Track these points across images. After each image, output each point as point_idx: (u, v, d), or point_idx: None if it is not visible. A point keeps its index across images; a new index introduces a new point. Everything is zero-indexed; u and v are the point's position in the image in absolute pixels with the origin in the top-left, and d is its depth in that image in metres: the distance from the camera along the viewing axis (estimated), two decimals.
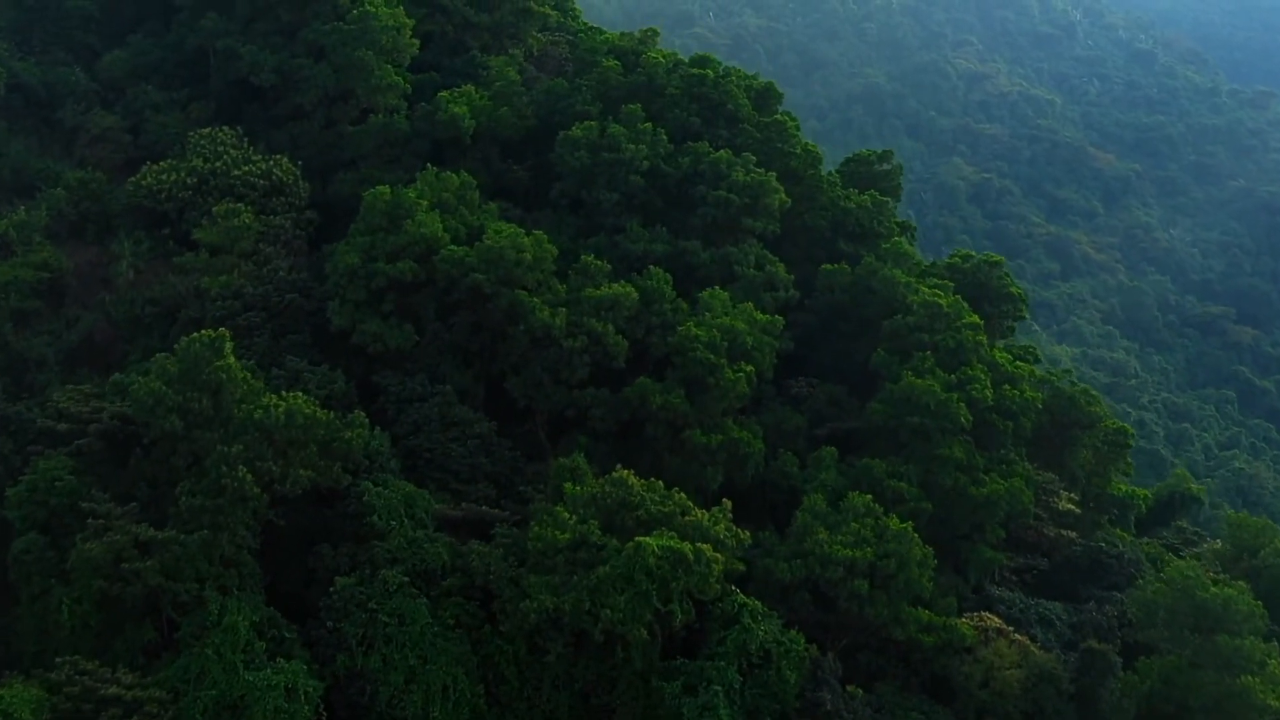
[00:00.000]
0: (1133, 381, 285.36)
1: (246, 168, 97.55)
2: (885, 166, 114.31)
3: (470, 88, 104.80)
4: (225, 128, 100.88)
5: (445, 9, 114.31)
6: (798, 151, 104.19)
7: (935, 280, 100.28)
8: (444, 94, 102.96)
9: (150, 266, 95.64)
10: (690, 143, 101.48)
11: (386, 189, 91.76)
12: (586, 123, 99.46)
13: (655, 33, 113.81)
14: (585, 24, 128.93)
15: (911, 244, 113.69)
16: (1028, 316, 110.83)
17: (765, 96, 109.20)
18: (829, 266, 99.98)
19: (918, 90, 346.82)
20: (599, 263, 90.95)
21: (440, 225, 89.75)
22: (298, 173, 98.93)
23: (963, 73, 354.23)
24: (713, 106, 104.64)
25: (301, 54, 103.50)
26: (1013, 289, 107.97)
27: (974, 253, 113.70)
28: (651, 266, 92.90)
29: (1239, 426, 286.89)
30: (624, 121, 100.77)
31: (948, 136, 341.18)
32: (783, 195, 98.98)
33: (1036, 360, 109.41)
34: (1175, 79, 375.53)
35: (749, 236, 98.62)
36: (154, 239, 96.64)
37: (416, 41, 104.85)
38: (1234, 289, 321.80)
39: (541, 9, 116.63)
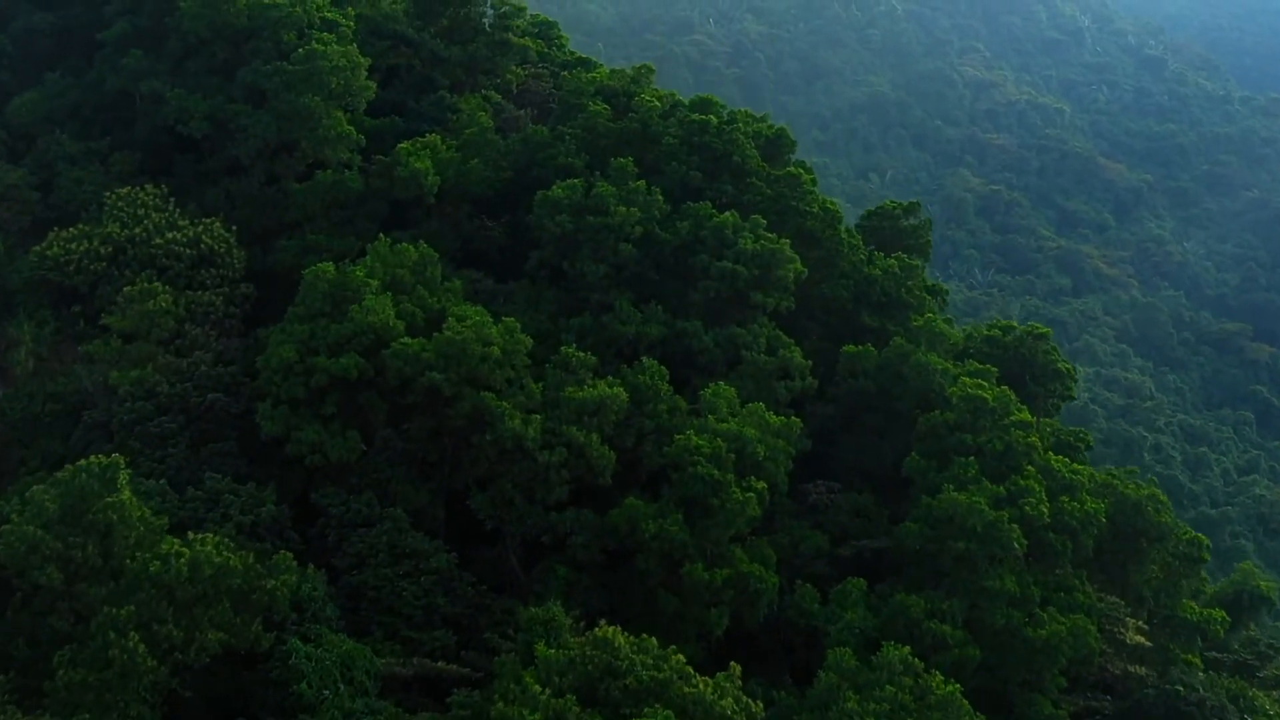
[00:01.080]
0: (1148, 403, 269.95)
1: (171, 234, 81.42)
2: (912, 221, 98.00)
3: (435, 137, 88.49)
4: (149, 185, 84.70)
5: (411, 42, 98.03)
6: (814, 210, 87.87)
7: (975, 365, 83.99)
8: (404, 146, 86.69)
9: (55, 353, 79.67)
10: (690, 203, 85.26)
11: (330, 266, 75.57)
12: (569, 181, 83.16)
13: (650, 70, 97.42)
14: (573, 53, 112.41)
15: (943, 307, 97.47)
16: (1076, 396, 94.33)
17: (776, 145, 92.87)
18: (852, 348, 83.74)
19: (923, 99, 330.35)
20: (582, 355, 74.70)
21: (392, 311, 73.57)
22: (232, 239, 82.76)
23: (969, 80, 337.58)
24: (716, 158, 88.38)
25: (240, 98, 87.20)
26: (1060, 364, 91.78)
27: (1015, 323, 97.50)
28: (645, 359, 76.70)
29: (1258, 450, 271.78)
30: (613, 178, 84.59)
31: (954, 147, 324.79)
32: (798, 264, 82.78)
33: (1089, 446, 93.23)
34: (1186, 86, 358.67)
35: (758, 314, 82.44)
36: (61, 319, 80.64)
37: (373, 85, 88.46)
38: (1249, 304, 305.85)
39: (521, 41, 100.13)
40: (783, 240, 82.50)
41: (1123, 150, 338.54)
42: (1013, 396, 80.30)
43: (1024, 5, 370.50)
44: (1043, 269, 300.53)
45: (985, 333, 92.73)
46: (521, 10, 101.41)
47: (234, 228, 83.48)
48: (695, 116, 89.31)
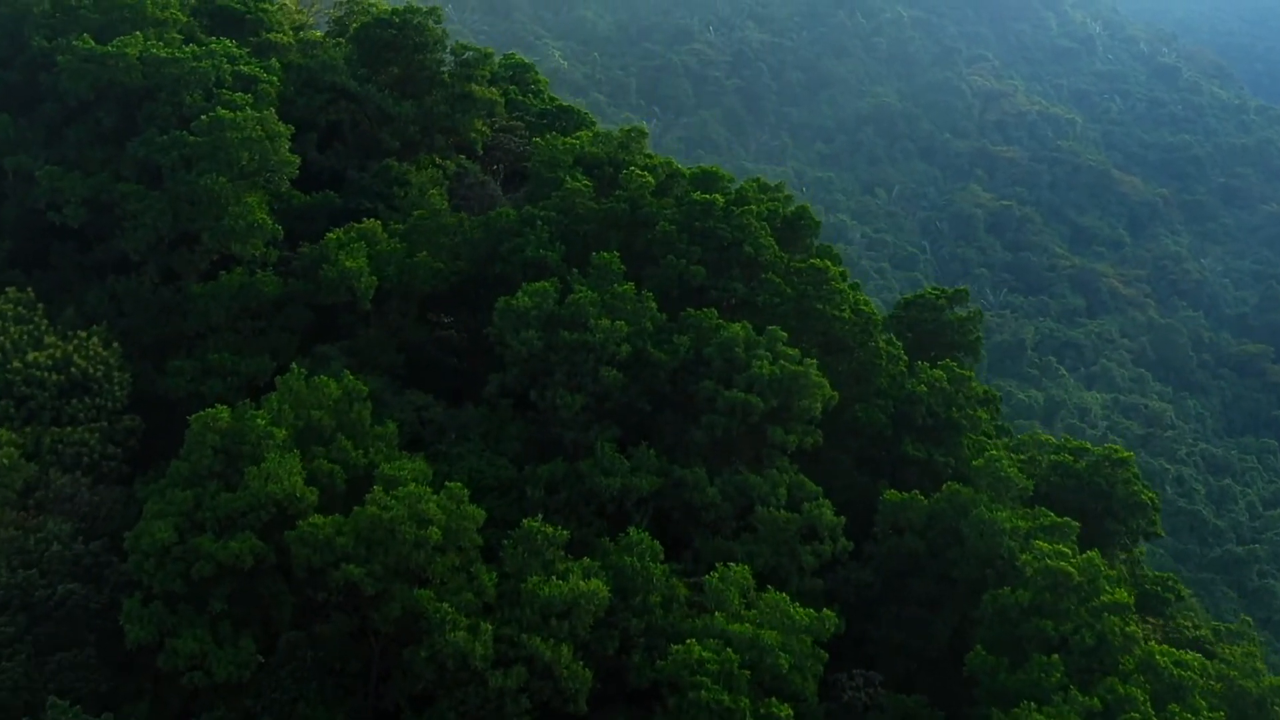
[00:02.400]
0: (1169, 433, 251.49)
1: (35, 355, 62.30)
2: (960, 312, 78.80)
3: (374, 224, 69.23)
4: (10, 289, 65.53)
5: (353, 96, 78.69)
6: (844, 315, 68.53)
7: (1048, 516, 64.70)
8: (334, 236, 67.48)
9: None
10: (691, 310, 66.04)
11: (223, 412, 56.39)
12: (539, 286, 63.77)
13: (641, 133, 77.89)
14: (552, 100, 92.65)
15: (997, 415, 78.25)
16: (1162, 531, 75.33)
17: (795, 227, 73.51)
18: (895, 496, 64.46)
19: (931, 110, 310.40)
20: (549, 530, 55.46)
21: (301, 475, 54.50)
22: (114, 359, 63.62)
23: (978, 90, 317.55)
24: (723, 248, 69.12)
25: (131, 176, 67.92)
26: (1143, 494, 72.66)
27: (1089, 444, 78.20)
28: (633, 530, 57.56)
29: None
30: (595, 277, 65.44)
31: (963, 160, 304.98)
32: (827, 389, 63.57)
33: (1179, 596, 74.16)
34: (1200, 95, 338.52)
35: (777, 455, 63.28)
36: None
37: (295, 159, 68.98)
38: (1270, 324, 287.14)
39: (486, 93, 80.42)
40: (808, 361, 63.20)
41: (1136, 162, 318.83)
42: (1102, 565, 61.02)
43: (1033, 12, 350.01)
44: (1056, 289, 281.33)
45: (1053, 457, 73.47)
46: (487, 56, 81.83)
47: (117, 344, 64.21)
48: (696, 196, 69.98)
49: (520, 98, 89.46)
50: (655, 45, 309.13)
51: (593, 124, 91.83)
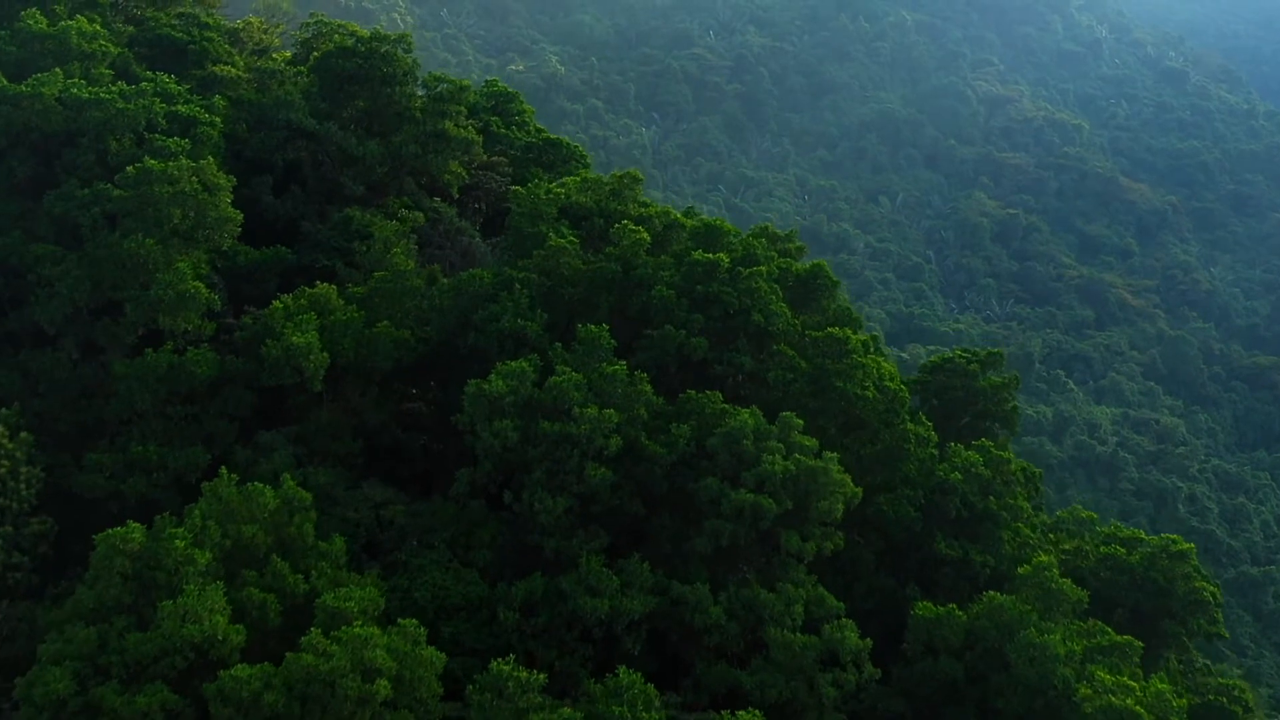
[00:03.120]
0: (1180, 449, 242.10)
1: None
2: (994, 377, 68.97)
3: (328, 289, 59.40)
4: None
5: (311, 134, 68.85)
6: (867, 392, 58.69)
7: (1107, 634, 54.98)
8: (281, 304, 57.69)
9: None
10: (692, 392, 56.30)
11: (136, 532, 46.63)
12: (515, 366, 54.01)
13: (635, 179, 67.77)
14: (539, 131, 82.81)
15: (1035, 495, 68.53)
16: (1225, 631, 65.57)
17: (809, 288, 63.66)
18: (927, 609, 54.70)
19: (935, 116, 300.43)
20: (523, 675, 45.72)
21: (225, 612, 44.80)
22: (21, 454, 53.88)
23: (983, 96, 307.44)
24: (728, 316, 59.34)
25: (47, 234, 58.15)
26: (1205, 591, 63.06)
27: (1143, 533, 68.43)
28: (622, 669, 47.77)
29: None
30: (581, 354, 55.70)
31: (968, 167, 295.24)
32: (850, 486, 53.82)
33: (1247, 707, 64.38)
34: (1208, 100, 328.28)
35: (792, 564, 53.59)
36: None
37: (238, 215, 58.92)
38: None
39: (463, 132, 70.43)
40: (828, 455, 53.46)
41: (1144, 169, 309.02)
42: (1171, 697, 51.32)
43: (1039, 15, 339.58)
44: (1064, 299, 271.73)
45: (1104, 549, 63.73)
46: (463, 89, 71.90)
47: (26, 433, 54.47)
48: (698, 255, 60.09)
49: (503, 130, 79.59)
50: (654, 50, 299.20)
51: (583, 158, 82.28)
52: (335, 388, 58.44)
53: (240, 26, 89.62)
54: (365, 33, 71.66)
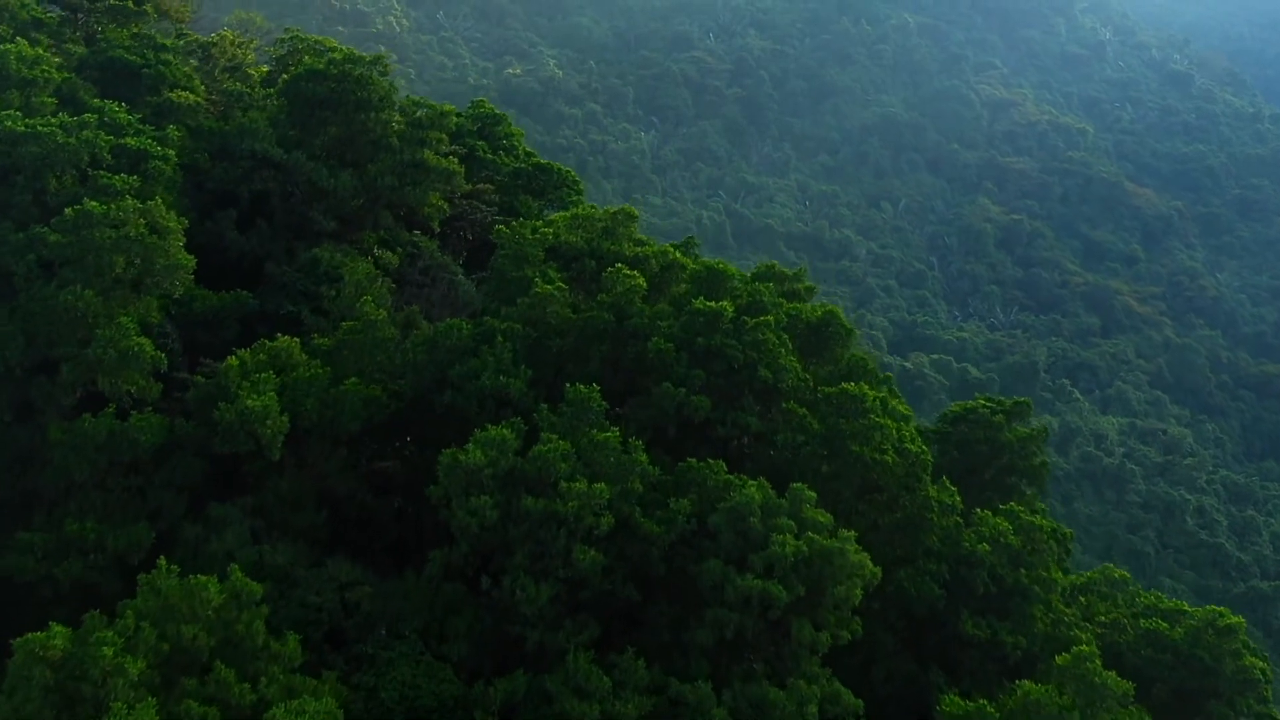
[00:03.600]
0: (1188, 460, 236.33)
1: None
2: (1021, 428, 62.82)
3: (289, 343, 53.18)
4: None
5: (277, 164, 62.69)
6: (886, 457, 52.49)
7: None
8: (236, 362, 51.49)
9: None
10: (693, 461, 50.13)
11: (59, 635, 40.52)
12: (495, 434, 47.83)
13: (630, 216, 61.38)
14: (528, 156, 76.54)
15: (1066, 558, 62.31)
16: (1276, 713, 59.22)
17: (821, 336, 57.49)
18: (954, 706, 48.46)
19: (938, 120, 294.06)
20: None
21: None
22: None
23: (986, 99, 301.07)
24: (732, 371, 53.19)
25: None
26: (1254, 668, 56.94)
27: (1185, 605, 62.31)
28: None
29: None
30: (570, 416, 49.52)
31: (972, 172, 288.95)
32: (869, 568, 47.64)
33: None
34: (1214, 103, 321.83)
35: (805, 655, 47.44)
36: None
37: (192, 259, 52.74)
38: None
39: (444, 162, 64.18)
40: (844, 534, 47.32)
41: (1149, 173, 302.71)
42: None
43: (1042, 18, 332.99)
44: (1069, 306, 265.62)
45: (1144, 623, 57.58)
46: (444, 115, 65.61)
47: None
48: (699, 305, 53.89)
49: (489, 155, 73.35)
50: (653, 53, 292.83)
51: (575, 184, 76.09)
52: (297, 452, 52.30)
53: (214, 41, 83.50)
54: (341, 52, 65.36)
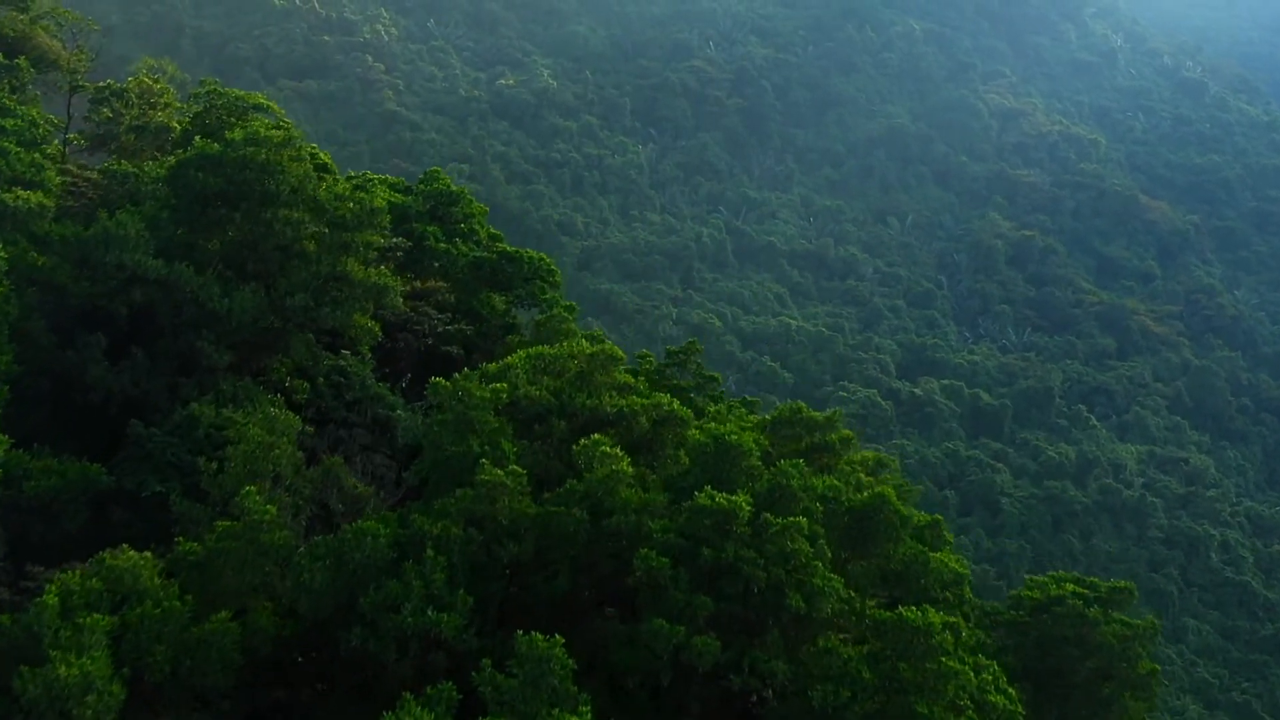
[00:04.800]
0: (1211, 492, 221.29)
1: None
2: (1121, 622, 47.02)
3: (136, 560, 37.38)
4: None
5: (158, 282, 46.88)
6: (964, 716, 36.67)
7: None
8: (52, 598, 35.60)
9: None
10: None
11: None
12: (417, 714, 32.13)
13: (613, 358, 44.80)
14: (490, 238, 60.52)
15: None
16: None
17: (866, 528, 41.48)
18: None
19: (946, 131, 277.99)
20: None
21: None
22: None
23: (995, 109, 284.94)
24: (750, 595, 37.42)
25: None
26: None
27: None
28: None
29: None
30: (522, 683, 33.80)
31: (981, 185, 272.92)
32: None
33: None
34: (1228, 112, 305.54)
35: None
36: None
37: (4, 440, 37.06)
38: None
39: (374, 274, 48.20)
40: None
41: (1163, 185, 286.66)
42: None
43: (1052, 24, 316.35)
44: (1083, 327, 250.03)
45: None
46: (374, 213, 49.56)
47: None
48: (705, 501, 38.05)
49: (441, 245, 57.49)
50: (652, 62, 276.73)
51: (551, 274, 60.25)
52: (150, 708, 36.67)
53: (130, 87, 67.85)
54: (244, 131, 49.38)
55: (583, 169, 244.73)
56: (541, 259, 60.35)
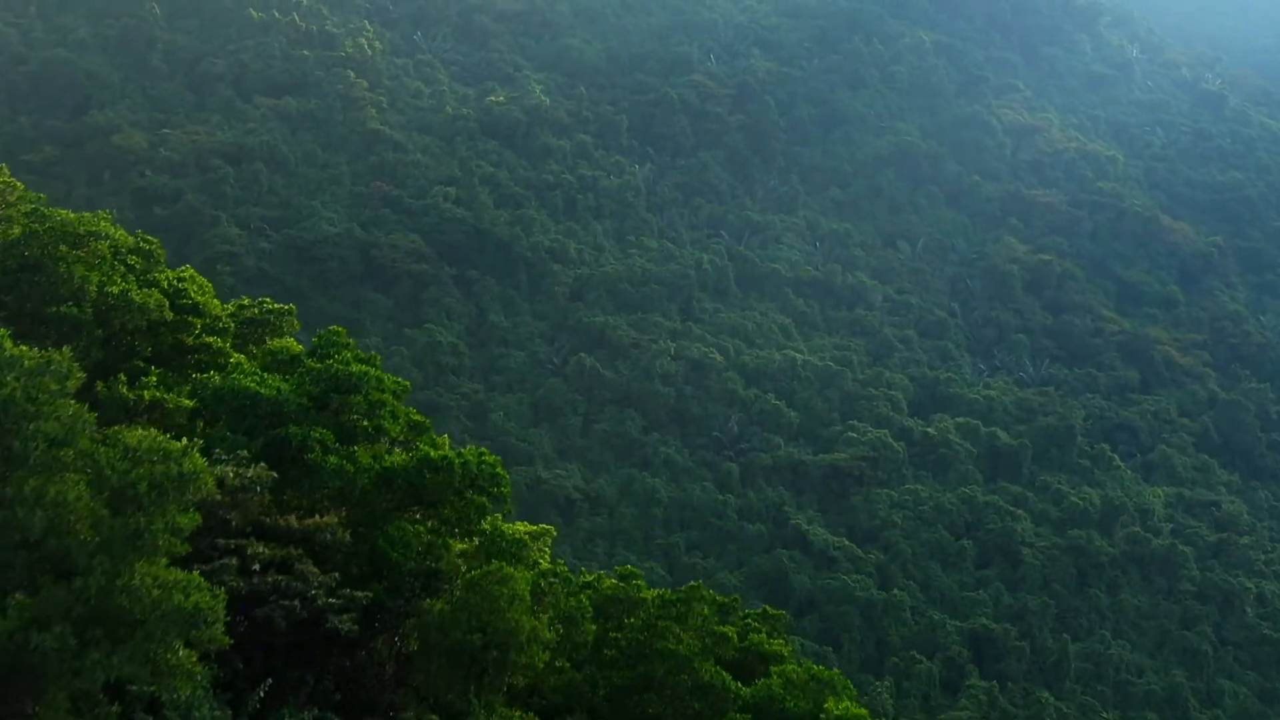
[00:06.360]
0: (1244, 539, 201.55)
1: None
2: None
3: None
4: None
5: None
6: None
7: None
8: None
9: None
10: None
11: None
12: None
13: None
14: (415, 428, 40.71)
15: None
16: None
17: None
18: None
19: (958, 149, 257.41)
20: None
21: None
22: None
23: (1009, 125, 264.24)
24: None
25: None
26: None
27: None
28: None
29: None
30: None
31: (995, 206, 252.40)
32: None
33: None
34: (1249, 126, 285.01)
35: None
36: None
37: None
38: None
39: (177, 602, 28.64)
40: None
41: (1183, 204, 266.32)
42: None
43: (1065, 35, 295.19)
44: (1105, 358, 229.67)
45: None
46: (199, 475, 28.96)
47: None
48: None
49: (330, 460, 37.37)
50: (649, 77, 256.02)
51: (497, 483, 40.16)
52: None
53: None
54: None
55: (576, 191, 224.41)
56: (482, 459, 40.23)
